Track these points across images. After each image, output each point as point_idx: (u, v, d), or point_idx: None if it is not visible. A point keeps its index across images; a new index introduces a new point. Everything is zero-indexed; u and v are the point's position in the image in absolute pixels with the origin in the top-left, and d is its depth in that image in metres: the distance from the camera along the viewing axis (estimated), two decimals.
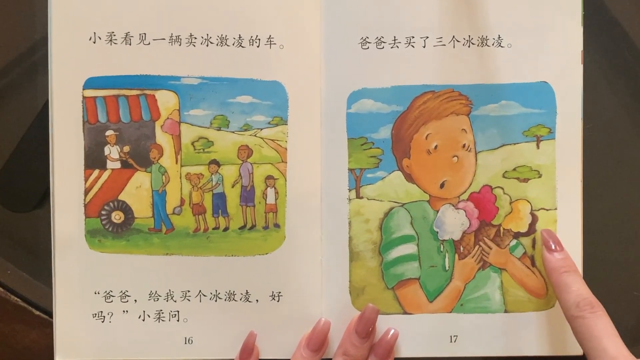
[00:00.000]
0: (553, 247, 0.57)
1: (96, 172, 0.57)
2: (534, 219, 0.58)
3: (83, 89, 0.57)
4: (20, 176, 0.61)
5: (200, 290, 0.58)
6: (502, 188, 0.58)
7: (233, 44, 0.57)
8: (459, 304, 0.58)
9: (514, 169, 0.58)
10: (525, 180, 0.58)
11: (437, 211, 0.58)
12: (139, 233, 0.58)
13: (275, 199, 0.58)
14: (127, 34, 0.57)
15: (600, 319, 0.53)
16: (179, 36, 0.57)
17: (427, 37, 0.57)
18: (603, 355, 0.51)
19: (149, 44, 0.57)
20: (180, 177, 0.58)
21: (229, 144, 0.58)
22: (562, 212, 0.58)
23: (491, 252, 0.58)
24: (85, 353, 0.58)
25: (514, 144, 0.58)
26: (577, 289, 0.55)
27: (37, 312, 0.61)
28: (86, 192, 0.57)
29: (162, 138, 0.58)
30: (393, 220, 0.58)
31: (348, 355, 0.56)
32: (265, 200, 0.58)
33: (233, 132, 0.57)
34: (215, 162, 0.58)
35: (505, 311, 0.59)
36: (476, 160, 0.58)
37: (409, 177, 0.58)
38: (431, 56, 0.58)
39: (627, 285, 0.62)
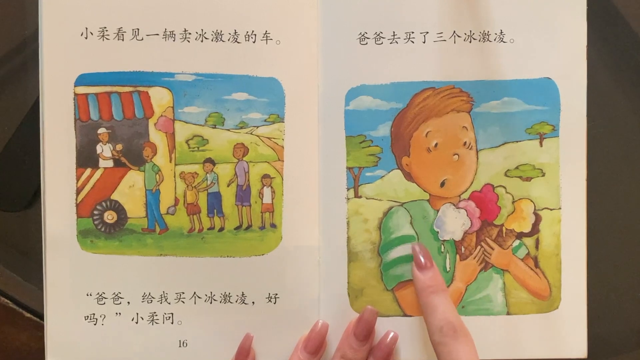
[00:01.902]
0: (423, 263, 0.56)
1: (88, 171, 0.57)
2: (538, 218, 0.58)
3: (75, 86, 0.57)
4: (10, 175, 0.61)
5: (195, 292, 0.57)
6: (505, 187, 0.58)
7: (228, 40, 0.56)
8: (460, 306, 0.58)
9: (517, 168, 0.58)
10: (528, 179, 0.58)
11: (438, 211, 0.58)
12: (132, 233, 0.57)
13: (272, 199, 0.57)
14: (119, 30, 0.56)
15: (461, 345, 0.52)
16: (173, 31, 0.56)
17: (427, 33, 0.57)
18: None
19: (142, 39, 0.56)
20: (175, 176, 0.57)
21: (224, 142, 0.57)
22: (566, 211, 0.58)
23: (493, 253, 0.58)
24: (77, 356, 0.58)
25: (517, 141, 0.58)
26: (443, 312, 0.54)
27: (28, 314, 0.61)
28: (78, 191, 0.57)
29: (156, 136, 0.57)
30: (392, 220, 0.58)
31: (346, 358, 0.56)
32: (262, 200, 0.57)
33: (228, 130, 0.57)
34: (210, 161, 0.57)
35: (508, 313, 0.58)
36: (477, 158, 0.58)
37: (409, 176, 0.58)
38: (431, 52, 0.57)
39: (632, 287, 0.62)
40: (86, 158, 0.57)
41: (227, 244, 0.57)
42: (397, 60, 0.57)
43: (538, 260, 0.58)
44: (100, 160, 0.57)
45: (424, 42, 0.57)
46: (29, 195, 0.61)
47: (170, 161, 0.57)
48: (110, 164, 0.57)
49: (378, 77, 0.57)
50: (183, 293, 0.57)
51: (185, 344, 0.57)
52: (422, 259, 0.56)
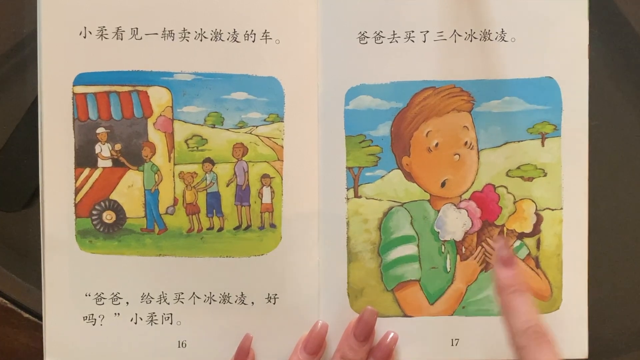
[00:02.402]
0: (505, 260, 0.54)
1: (87, 171, 0.57)
2: (539, 219, 0.58)
3: (73, 85, 0.57)
4: (9, 175, 0.61)
5: (194, 292, 0.57)
6: (506, 187, 0.58)
7: (227, 39, 0.56)
8: (461, 307, 0.58)
9: (518, 168, 0.58)
10: (530, 179, 0.58)
11: (438, 211, 0.58)
12: (130, 233, 0.57)
13: (271, 199, 0.57)
14: (118, 29, 0.56)
15: (544, 351, 0.50)
16: (172, 31, 0.56)
17: (428, 32, 0.57)
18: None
19: (141, 38, 0.56)
20: (174, 176, 0.57)
21: (223, 141, 0.57)
22: (568, 212, 0.58)
23: (494, 253, 0.57)
24: (75, 357, 0.58)
25: (518, 141, 0.58)
26: (525, 314, 0.52)
27: (26, 315, 0.61)
28: (76, 191, 0.57)
29: (155, 136, 0.57)
30: (392, 220, 0.58)
31: (346, 358, 0.56)
32: (261, 200, 0.57)
33: (228, 129, 0.57)
34: (210, 161, 0.57)
35: None
36: (478, 158, 0.58)
37: (409, 176, 0.58)
38: (432, 51, 0.57)
39: (634, 286, 0.62)
40: (85, 158, 0.57)
41: (226, 244, 0.57)
42: (397, 59, 0.57)
43: (539, 261, 0.58)
44: (99, 160, 0.57)
45: (424, 41, 0.57)
46: (28, 195, 0.61)
47: (169, 161, 0.57)
48: (109, 163, 0.57)
49: (378, 76, 0.57)
50: (182, 293, 0.57)
51: (184, 345, 0.57)
52: (504, 256, 0.55)
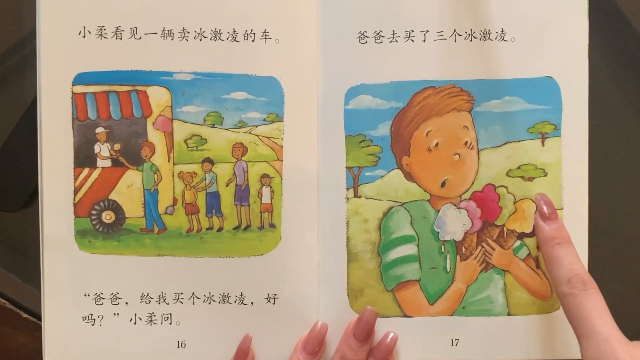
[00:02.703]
0: (547, 213, 0.56)
1: (86, 171, 0.57)
2: None
3: (72, 85, 0.57)
4: (8, 175, 0.61)
5: (193, 293, 0.57)
6: (506, 187, 0.58)
7: (227, 39, 0.56)
8: (461, 307, 0.58)
9: (518, 167, 0.58)
10: (530, 179, 0.58)
11: (438, 211, 0.58)
12: (130, 233, 0.57)
13: (271, 198, 0.57)
14: (117, 28, 0.56)
15: (591, 297, 0.52)
16: (171, 30, 0.56)
17: (428, 31, 0.57)
18: (593, 335, 0.50)
19: (140, 38, 0.56)
20: (173, 176, 0.57)
21: (223, 141, 0.57)
22: (568, 211, 0.58)
23: (494, 253, 0.57)
24: (74, 357, 0.58)
25: (518, 141, 0.58)
26: (570, 264, 0.54)
27: (25, 315, 0.61)
28: (76, 191, 0.57)
29: (154, 135, 0.57)
30: (392, 220, 0.58)
31: (346, 358, 0.56)
32: (261, 200, 0.57)
33: (227, 129, 0.57)
34: (209, 161, 0.57)
35: (509, 314, 0.58)
36: (479, 158, 0.58)
37: (409, 176, 0.58)
38: (432, 51, 0.57)
39: (633, 287, 0.62)
40: (84, 158, 0.57)
41: (226, 244, 0.57)
42: (397, 59, 0.57)
43: (539, 261, 0.58)
44: (98, 159, 0.57)
45: (424, 41, 0.57)
46: (27, 195, 0.61)
47: (169, 161, 0.57)
48: (108, 163, 0.57)
49: (378, 76, 0.57)
50: (181, 293, 0.57)
51: (183, 345, 0.57)
52: (546, 210, 0.56)
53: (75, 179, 0.57)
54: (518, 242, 0.58)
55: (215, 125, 0.57)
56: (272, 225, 0.57)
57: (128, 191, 0.57)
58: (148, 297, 0.57)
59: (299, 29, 0.57)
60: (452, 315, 0.58)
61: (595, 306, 0.51)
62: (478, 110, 0.57)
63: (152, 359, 0.58)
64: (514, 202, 0.58)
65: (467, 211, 0.58)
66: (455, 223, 0.58)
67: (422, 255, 0.58)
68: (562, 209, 0.58)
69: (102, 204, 0.57)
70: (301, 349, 0.57)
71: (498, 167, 0.58)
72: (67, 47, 0.57)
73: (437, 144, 0.57)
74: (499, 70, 0.57)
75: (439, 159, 0.58)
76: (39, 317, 0.58)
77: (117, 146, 0.57)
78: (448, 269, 0.58)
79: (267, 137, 0.57)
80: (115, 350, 0.58)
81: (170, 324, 0.57)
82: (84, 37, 0.57)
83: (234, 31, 0.56)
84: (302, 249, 0.57)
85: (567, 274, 0.53)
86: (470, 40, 0.57)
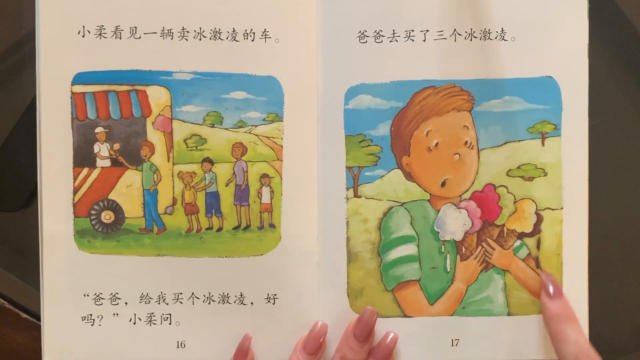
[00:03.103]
0: (552, 293, 0.57)
1: (85, 171, 0.57)
2: (539, 218, 0.58)
3: (72, 85, 0.57)
4: (7, 174, 0.62)
5: (193, 293, 0.57)
6: (506, 187, 0.58)
7: (227, 38, 0.56)
8: (461, 307, 0.58)
9: (518, 167, 0.58)
10: (530, 178, 0.58)
11: (438, 211, 0.58)
12: (129, 233, 0.57)
13: (271, 199, 0.57)
14: (117, 28, 0.56)
15: None
16: (170, 30, 0.56)
17: (428, 31, 0.57)
18: None
19: (140, 38, 0.56)
20: (172, 176, 0.57)
21: (222, 141, 0.57)
22: (568, 211, 0.58)
23: (494, 253, 0.58)
24: (74, 357, 0.58)
25: (518, 141, 0.58)
26: (576, 340, 0.54)
27: (25, 315, 0.61)
28: (75, 191, 0.57)
29: (154, 135, 0.57)
30: (392, 220, 0.58)
31: (346, 359, 0.55)
32: (260, 200, 0.57)
33: (227, 129, 0.57)
34: (209, 160, 0.57)
35: (509, 314, 0.58)
36: (479, 158, 0.58)
37: (409, 176, 0.58)
38: (432, 50, 0.57)
39: (633, 285, 0.62)
40: (83, 157, 0.57)
41: (226, 244, 0.57)
42: (397, 58, 0.57)
43: (539, 261, 0.58)
44: (98, 159, 0.57)
45: (424, 41, 0.57)
46: (26, 195, 0.61)
47: (168, 160, 0.57)
48: (107, 163, 0.57)
49: (378, 75, 0.57)
50: (181, 293, 0.57)
51: (183, 345, 0.57)
52: (552, 289, 0.56)
53: (75, 178, 0.57)
54: (518, 242, 0.58)
55: (215, 125, 0.57)
56: (272, 225, 0.57)
57: (127, 191, 0.57)
58: (147, 297, 0.57)
59: (298, 29, 0.57)
60: (452, 315, 0.58)
61: None
62: (478, 110, 0.57)
63: (151, 359, 0.58)
64: (514, 202, 0.58)
65: (467, 211, 0.58)
66: (456, 223, 0.58)
67: (422, 254, 0.58)
68: (561, 208, 0.58)
69: (101, 203, 0.57)
70: (301, 349, 0.57)
71: (498, 166, 0.58)
72: (67, 47, 0.57)
73: (437, 144, 0.58)
74: (499, 70, 0.57)
75: (439, 158, 0.58)
76: (38, 317, 0.59)
77: (116, 146, 0.57)
78: (448, 269, 0.58)
79: (267, 137, 0.57)
80: (114, 351, 0.58)
81: (170, 324, 0.57)
82: (83, 36, 0.57)
83: (234, 30, 0.56)
84: (302, 249, 0.57)
85: (573, 350, 0.54)
86: (471, 40, 0.57)
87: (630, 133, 0.61)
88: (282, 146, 0.57)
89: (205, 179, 0.57)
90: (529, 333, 0.58)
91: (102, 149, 0.57)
